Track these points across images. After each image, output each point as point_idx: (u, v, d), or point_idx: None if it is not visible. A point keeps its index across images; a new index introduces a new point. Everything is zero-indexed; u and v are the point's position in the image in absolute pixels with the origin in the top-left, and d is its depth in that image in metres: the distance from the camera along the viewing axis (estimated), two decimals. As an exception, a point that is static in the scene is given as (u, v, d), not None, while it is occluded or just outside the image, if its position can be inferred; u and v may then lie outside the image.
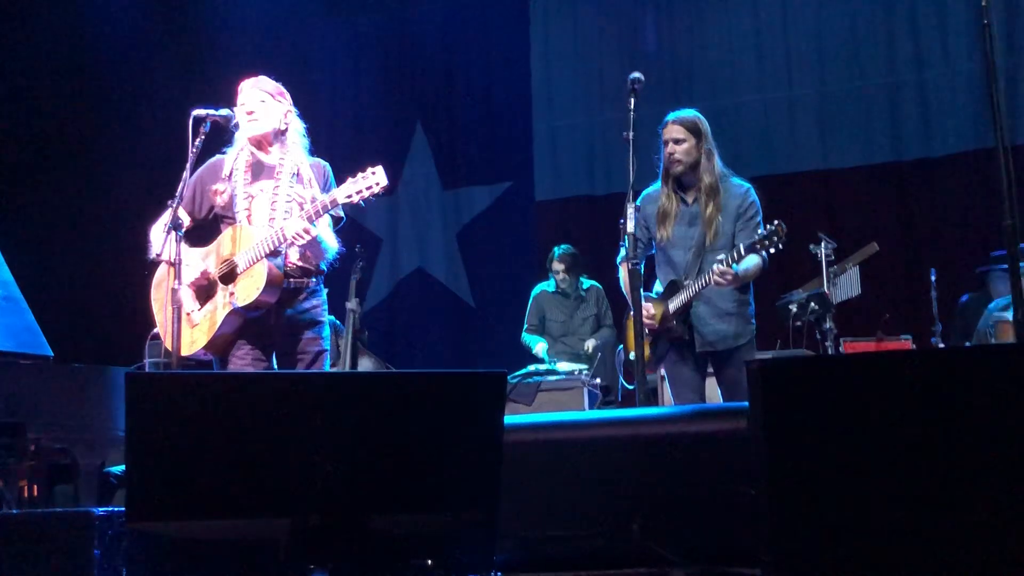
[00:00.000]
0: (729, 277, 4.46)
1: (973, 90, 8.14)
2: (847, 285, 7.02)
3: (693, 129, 4.72)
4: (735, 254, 4.49)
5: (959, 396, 2.24)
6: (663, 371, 5.46)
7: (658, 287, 4.92)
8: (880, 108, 8.58)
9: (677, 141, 4.72)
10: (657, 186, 4.85)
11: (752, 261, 4.59)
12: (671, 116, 4.79)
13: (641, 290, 4.87)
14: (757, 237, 4.48)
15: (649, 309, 4.75)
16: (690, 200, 4.76)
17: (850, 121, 8.63)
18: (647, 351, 4.89)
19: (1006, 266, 7.02)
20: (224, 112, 4.25)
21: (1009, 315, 5.95)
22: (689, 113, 4.81)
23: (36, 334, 5.02)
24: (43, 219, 8.50)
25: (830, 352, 6.29)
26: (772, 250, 4.50)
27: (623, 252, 4.87)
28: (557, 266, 7.46)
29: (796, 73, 8.82)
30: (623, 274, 4.85)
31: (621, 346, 5.31)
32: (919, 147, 8.43)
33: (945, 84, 8.38)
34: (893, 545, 2.22)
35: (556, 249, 7.57)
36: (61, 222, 8.62)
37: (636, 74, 4.58)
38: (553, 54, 9.52)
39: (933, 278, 7.18)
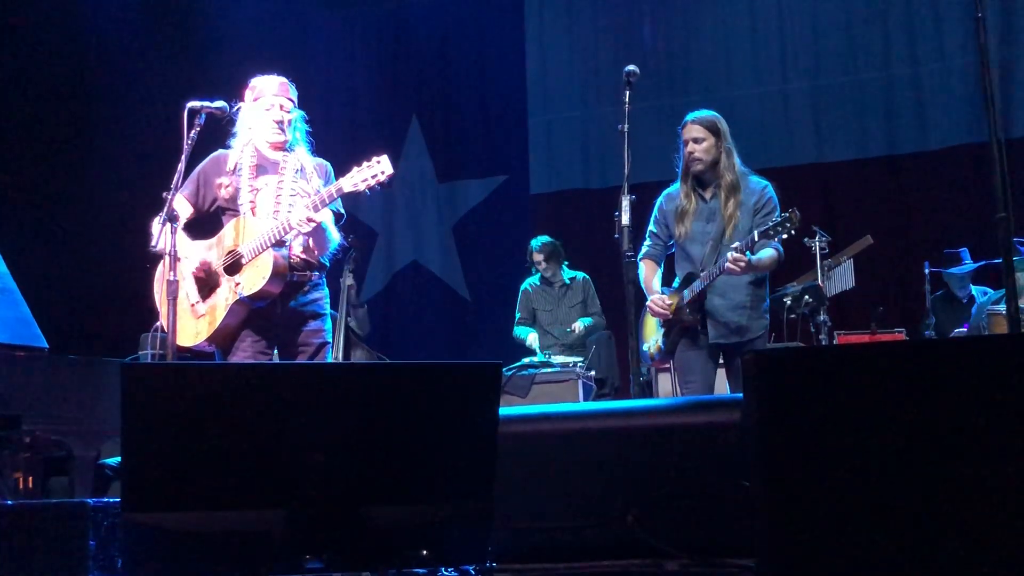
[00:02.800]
0: (743, 264, 4.51)
1: (967, 84, 8.16)
2: (841, 278, 7.04)
3: (712, 128, 4.81)
4: (749, 241, 4.55)
5: (953, 387, 2.24)
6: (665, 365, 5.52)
7: (676, 283, 4.96)
8: (875, 102, 8.60)
9: (697, 140, 4.80)
10: (677, 186, 4.91)
11: (767, 253, 4.67)
12: (690, 116, 4.88)
13: (645, 282, 4.93)
14: (771, 224, 4.53)
15: (664, 299, 4.81)
16: (708, 197, 4.83)
17: (845, 114, 8.65)
18: (660, 343, 4.94)
19: (956, 269, 7.13)
20: (219, 104, 4.26)
21: (1002, 308, 5.98)
22: (708, 113, 4.90)
23: (31, 326, 5.02)
24: (39, 211, 8.48)
25: (824, 344, 6.30)
26: (785, 236, 4.58)
27: (644, 249, 4.94)
28: (537, 257, 7.54)
29: (791, 67, 8.83)
30: (643, 269, 4.93)
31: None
32: (914, 141, 8.46)
33: (939, 78, 8.40)
34: (887, 536, 2.23)
35: (533, 242, 7.61)
36: (57, 214, 8.60)
37: (631, 67, 4.62)
38: (548, 47, 9.52)
39: (927, 271, 7.21)
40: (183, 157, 4.18)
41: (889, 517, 2.23)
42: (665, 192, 5.00)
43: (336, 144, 9.43)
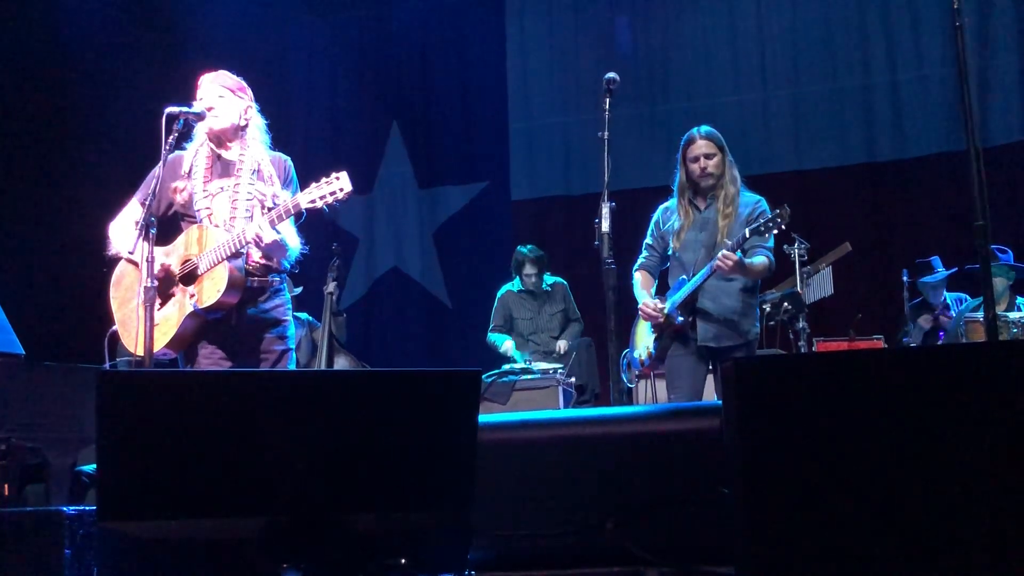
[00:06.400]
0: (731, 262, 4.52)
1: (946, 92, 8.22)
2: (820, 285, 7.07)
3: (719, 144, 4.87)
4: (741, 239, 4.59)
5: (930, 394, 2.25)
6: (656, 371, 5.53)
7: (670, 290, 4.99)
8: (854, 110, 8.65)
9: (708, 156, 4.84)
10: (674, 202, 4.94)
11: (759, 259, 4.69)
12: (698, 131, 4.90)
13: (639, 291, 4.95)
14: (762, 220, 4.55)
15: (656, 303, 4.83)
16: (703, 207, 4.85)
17: (824, 122, 8.70)
18: (651, 348, 4.95)
19: (929, 278, 7.18)
20: (197, 110, 4.21)
21: (980, 315, 6.02)
22: (711, 129, 4.93)
23: (7, 332, 4.99)
24: (13, 216, 8.42)
25: (803, 351, 6.33)
26: (775, 231, 4.60)
27: (640, 260, 4.96)
28: (530, 269, 7.47)
29: (771, 75, 8.87)
30: (638, 279, 4.95)
31: (626, 350, 5.38)
32: (892, 149, 8.51)
33: (918, 86, 8.46)
34: (866, 544, 2.24)
35: (524, 250, 7.56)
36: (32, 219, 8.54)
37: (611, 75, 4.63)
38: (529, 54, 9.54)
39: (905, 279, 7.25)
40: (161, 163, 4.13)
41: (868, 525, 2.24)
42: (662, 206, 5.02)
43: (317, 149, 9.48)
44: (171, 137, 4.11)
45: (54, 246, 8.47)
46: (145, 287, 3.95)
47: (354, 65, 9.98)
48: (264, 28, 9.63)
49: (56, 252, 8.44)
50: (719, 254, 4.55)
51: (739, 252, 4.56)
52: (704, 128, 4.92)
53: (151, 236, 4.00)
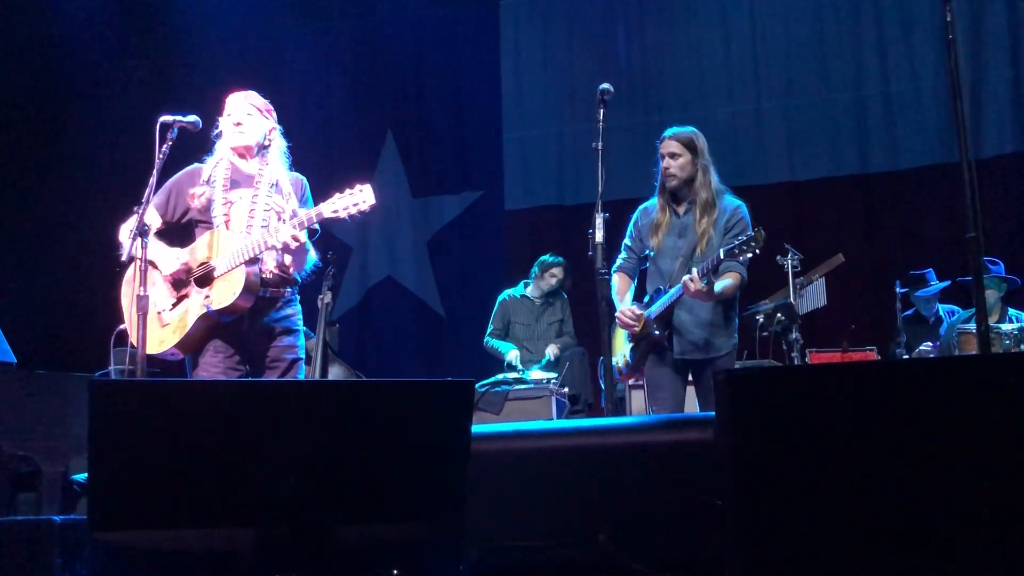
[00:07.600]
0: (693, 288, 4.51)
1: (939, 104, 8.24)
2: (813, 296, 7.07)
3: (689, 145, 4.82)
4: (714, 260, 4.56)
5: (923, 406, 2.26)
6: (634, 380, 5.51)
7: (647, 298, 4.97)
8: (847, 121, 8.66)
9: (673, 156, 4.81)
10: (654, 200, 4.93)
11: (728, 281, 4.66)
12: (668, 132, 4.89)
13: (616, 294, 4.93)
14: (736, 243, 4.53)
15: (634, 311, 4.82)
16: (681, 212, 4.83)
17: (817, 133, 8.71)
18: (628, 357, 4.93)
19: (923, 291, 7.19)
20: (191, 119, 4.24)
21: (972, 326, 6.02)
22: (686, 129, 4.90)
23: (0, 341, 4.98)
24: (6, 224, 8.40)
25: (796, 363, 6.33)
26: (750, 254, 4.56)
27: (618, 261, 4.94)
28: (557, 272, 7.51)
29: (764, 85, 8.89)
30: (616, 281, 4.92)
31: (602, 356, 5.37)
32: (885, 160, 8.52)
33: (911, 98, 8.48)
34: (859, 554, 2.24)
35: (550, 259, 7.59)
36: (25, 227, 8.52)
37: (605, 85, 4.64)
38: (523, 64, 9.55)
39: (898, 290, 7.26)
40: (155, 171, 4.15)
41: (860, 535, 2.24)
42: (642, 206, 5.01)
43: (312, 159, 9.42)
44: (165, 145, 4.14)
45: (47, 256, 8.45)
46: (138, 295, 3.98)
47: (348, 75, 9.98)
48: (259, 38, 9.63)
49: (49, 261, 8.42)
50: (683, 278, 4.55)
51: (706, 279, 4.55)
52: (676, 128, 4.91)
53: (144, 243, 4.03)
